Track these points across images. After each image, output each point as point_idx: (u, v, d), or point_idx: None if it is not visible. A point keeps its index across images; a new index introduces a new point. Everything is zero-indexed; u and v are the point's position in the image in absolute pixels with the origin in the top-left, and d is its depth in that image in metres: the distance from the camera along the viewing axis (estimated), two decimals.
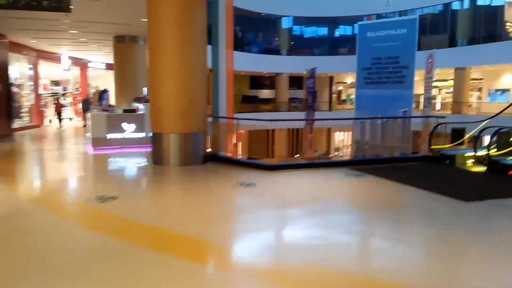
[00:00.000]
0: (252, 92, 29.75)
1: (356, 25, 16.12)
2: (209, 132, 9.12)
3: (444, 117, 9.06)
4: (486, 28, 22.56)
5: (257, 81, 30.06)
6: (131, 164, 9.18)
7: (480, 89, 25.56)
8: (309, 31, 29.53)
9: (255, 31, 28.41)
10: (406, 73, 12.02)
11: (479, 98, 25.26)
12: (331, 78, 30.56)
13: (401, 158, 9.06)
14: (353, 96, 31.27)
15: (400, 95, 11.98)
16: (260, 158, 9.77)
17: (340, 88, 32.26)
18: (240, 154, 10.99)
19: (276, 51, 27.58)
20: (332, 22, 28.16)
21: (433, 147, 9.10)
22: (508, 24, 21.94)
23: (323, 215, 5.25)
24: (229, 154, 9.15)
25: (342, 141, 17.04)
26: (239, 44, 26.26)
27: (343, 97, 32.10)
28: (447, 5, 23.79)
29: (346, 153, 14.96)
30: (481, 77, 25.13)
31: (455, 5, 23.76)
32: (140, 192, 6.77)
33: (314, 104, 16.90)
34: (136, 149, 10.87)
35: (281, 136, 21.47)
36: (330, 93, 30.94)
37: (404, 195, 6.26)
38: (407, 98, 11.85)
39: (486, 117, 20.50)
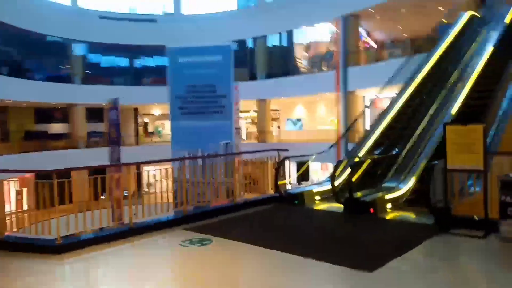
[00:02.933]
0: (39, 126, 24.78)
1: (160, 56, 14.79)
2: None
3: (286, 150, 8.25)
4: (280, 64, 24.50)
5: (45, 113, 25.23)
6: None
7: (278, 119, 27.52)
8: (108, 59, 26.79)
9: (38, 56, 23.96)
10: (224, 102, 11.06)
11: (278, 127, 27.12)
12: (135, 110, 28.23)
13: (249, 203, 7.61)
14: (161, 128, 29.71)
15: (220, 126, 10.90)
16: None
17: (146, 120, 30.25)
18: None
19: (67, 79, 23.75)
20: (135, 50, 26.16)
21: (280, 182, 7.88)
22: (298, 60, 24.28)
23: None
24: None
25: (154, 176, 15.08)
26: (18, 70, 21.57)
27: (150, 129, 30.16)
28: (243, 42, 24.98)
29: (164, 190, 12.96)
30: (278, 108, 27.09)
31: (252, 43, 25.23)
32: None
33: (119, 138, 14.47)
34: None
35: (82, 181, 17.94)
36: (136, 126, 28.53)
37: (280, 271, 4.56)
38: (228, 129, 10.86)
39: (294, 144, 21.97)
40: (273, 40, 25.32)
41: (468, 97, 8.47)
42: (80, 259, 5.02)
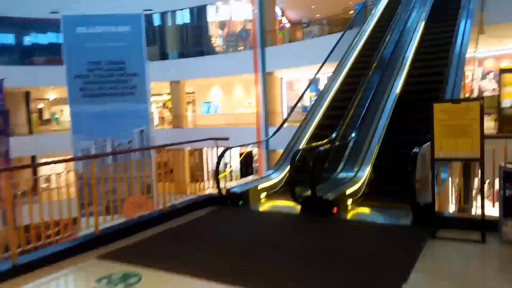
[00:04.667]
0: None
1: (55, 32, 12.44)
2: None
3: (226, 138, 6.94)
4: (195, 43, 22.86)
5: None
6: None
7: (193, 103, 25.96)
8: None
9: None
10: (136, 82, 9.44)
11: (194, 111, 25.60)
12: (27, 94, 24.54)
13: (181, 209, 5.90)
14: (58, 115, 26.34)
15: (132, 110, 9.30)
16: None
17: (41, 105, 26.56)
18: None
19: None
20: (24, 24, 22.48)
21: (221, 175, 6.32)
22: (213, 39, 22.87)
23: None
24: None
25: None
26: None
27: (47, 116, 26.57)
28: (149, 18, 22.83)
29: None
30: (193, 91, 25.51)
31: (161, 19, 23.18)
32: None
33: (7, 127, 12.02)
34: None
35: None
36: (29, 113, 24.85)
37: None
38: (142, 113, 9.31)
39: (210, 129, 20.66)
40: (185, 17, 23.52)
41: (409, 75, 8.02)
42: None
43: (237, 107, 24.47)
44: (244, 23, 23.31)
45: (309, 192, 5.14)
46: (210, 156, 6.96)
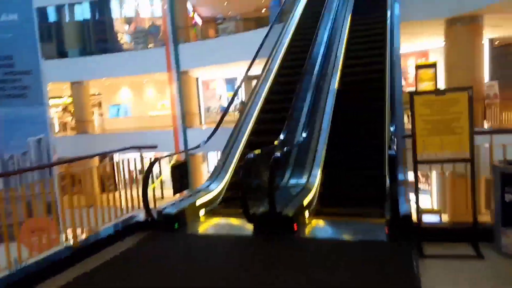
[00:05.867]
0: None
1: None
2: None
3: (155, 146, 5.64)
4: (99, 39, 20.68)
5: None
6: None
7: (100, 105, 23.64)
8: None
9: None
10: (29, 82, 7.77)
11: (101, 115, 23.31)
12: None
13: (100, 240, 4.46)
14: None
15: (25, 115, 7.61)
16: None
17: None
18: None
19: None
20: None
21: (152, 186, 5.11)
22: (120, 35, 20.99)
23: None
24: None
25: None
26: None
27: None
28: (43, 12, 20.21)
29: None
30: (99, 93, 23.22)
31: (57, 14, 20.68)
32: None
33: None
34: None
35: None
36: None
37: None
38: (40, 119, 7.66)
39: (120, 135, 18.77)
40: (86, 12, 21.20)
41: (344, 65, 7.55)
42: None
43: (150, 109, 22.83)
44: (153, 19, 21.76)
45: (264, 208, 4.25)
46: (124, 164, 5.68)
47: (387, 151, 4.51)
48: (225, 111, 7.09)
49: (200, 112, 21.12)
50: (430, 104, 3.70)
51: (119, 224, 4.93)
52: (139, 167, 5.77)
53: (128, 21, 22.43)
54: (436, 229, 4.10)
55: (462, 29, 11.46)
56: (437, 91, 3.57)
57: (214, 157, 20.31)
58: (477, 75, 11.67)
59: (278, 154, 4.23)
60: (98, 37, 21.17)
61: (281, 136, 5.43)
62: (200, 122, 20.55)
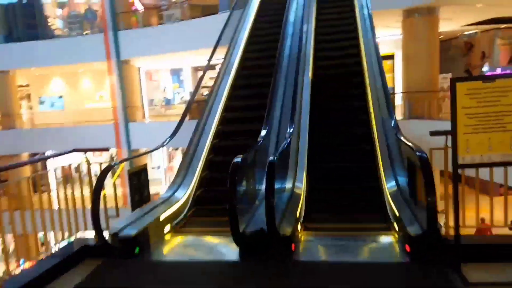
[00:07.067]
0: None
1: None
2: None
3: (106, 149, 4.48)
4: (26, 25, 18.41)
5: None
6: None
7: (29, 98, 21.31)
8: None
9: None
10: None
11: (30, 108, 21.04)
12: None
13: (35, 279, 3.22)
14: None
15: None
16: None
17: None
18: None
19: None
20: None
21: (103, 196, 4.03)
22: (51, 20, 18.92)
23: None
24: None
25: None
26: None
27: None
28: None
29: None
30: (27, 84, 20.89)
31: None
32: None
33: None
34: None
35: None
36: None
37: None
38: None
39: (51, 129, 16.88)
40: None
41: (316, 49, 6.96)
42: None
43: (87, 101, 20.93)
44: (89, 3, 19.88)
45: (253, 224, 3.40)
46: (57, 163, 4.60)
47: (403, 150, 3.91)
48: (189, 102, 6.21)
49: (143, 105, 19.70)
50: (476, 93, 2.91)
51: (61, 250, 3.86)
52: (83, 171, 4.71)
53: (61, 5, 20.33)
54: (478, 246, 3.28)
55: (419, 20, 11.30)
56: (484, 77, 2.78)
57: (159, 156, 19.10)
58: (434, 67, 11.61)
59: (272, 158, 3.42)
60: (26, 22, 18.86)
61: (263, 132, 4.64)
62: (143, 116, 19.15)
